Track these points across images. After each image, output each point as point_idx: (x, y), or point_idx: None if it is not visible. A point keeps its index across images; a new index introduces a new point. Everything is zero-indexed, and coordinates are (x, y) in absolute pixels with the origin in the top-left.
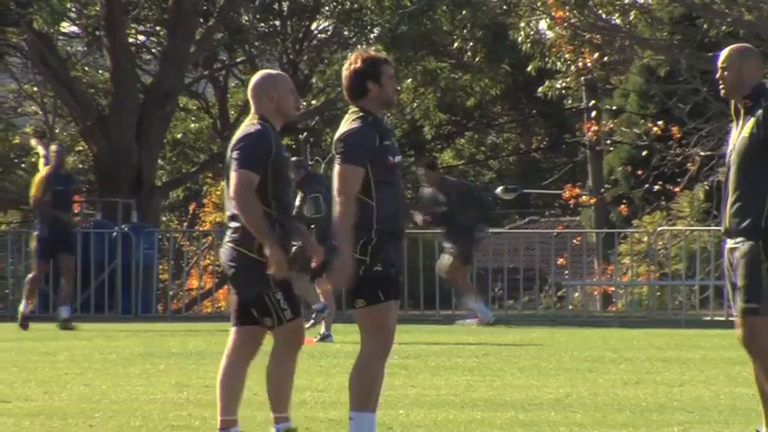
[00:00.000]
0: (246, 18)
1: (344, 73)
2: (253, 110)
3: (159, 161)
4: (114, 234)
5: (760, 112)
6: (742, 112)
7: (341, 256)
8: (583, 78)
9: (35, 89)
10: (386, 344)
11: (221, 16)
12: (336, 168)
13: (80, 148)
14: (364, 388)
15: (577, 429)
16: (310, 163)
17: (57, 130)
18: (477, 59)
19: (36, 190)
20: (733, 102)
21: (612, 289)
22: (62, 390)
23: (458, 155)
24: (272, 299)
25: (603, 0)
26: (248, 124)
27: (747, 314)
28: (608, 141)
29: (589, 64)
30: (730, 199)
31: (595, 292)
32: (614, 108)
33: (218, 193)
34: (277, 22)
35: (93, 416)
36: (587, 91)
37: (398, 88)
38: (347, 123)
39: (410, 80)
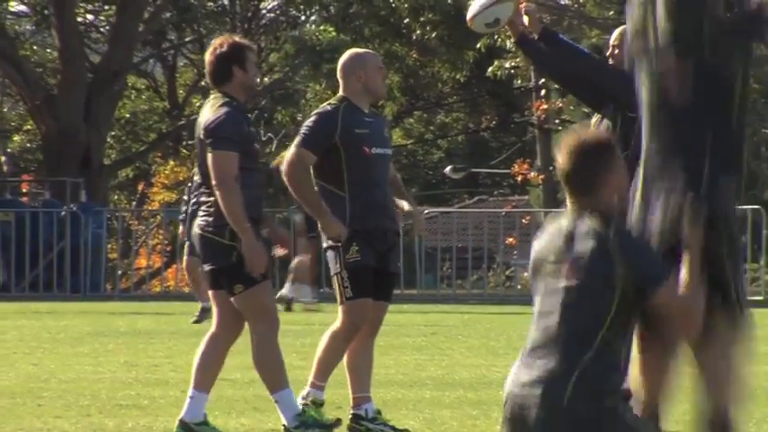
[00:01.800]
0: None
1: (209, 58)
2: (341, 90)
3: (108, 140)
4: (63, 213)
5: None
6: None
7: (248, 240)
8: None
9: None
10: (273, 322)
11: None
12: (210, 156)
13: (28, 126)
14: (273, 369)
15: None
16: (263, 140)
17: (5, 110)
18: (435, 39)
19: None
20: None
21: None
22: (10, 369)
23: (407, 134)
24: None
25: None
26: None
27: None
28: (556, 120)
29: None
30: None
31: None
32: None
33: (166, 172)
34: (226, 1)
35: (42, 395)
36: (536, 70)
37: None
38: (213, 109)
39: None
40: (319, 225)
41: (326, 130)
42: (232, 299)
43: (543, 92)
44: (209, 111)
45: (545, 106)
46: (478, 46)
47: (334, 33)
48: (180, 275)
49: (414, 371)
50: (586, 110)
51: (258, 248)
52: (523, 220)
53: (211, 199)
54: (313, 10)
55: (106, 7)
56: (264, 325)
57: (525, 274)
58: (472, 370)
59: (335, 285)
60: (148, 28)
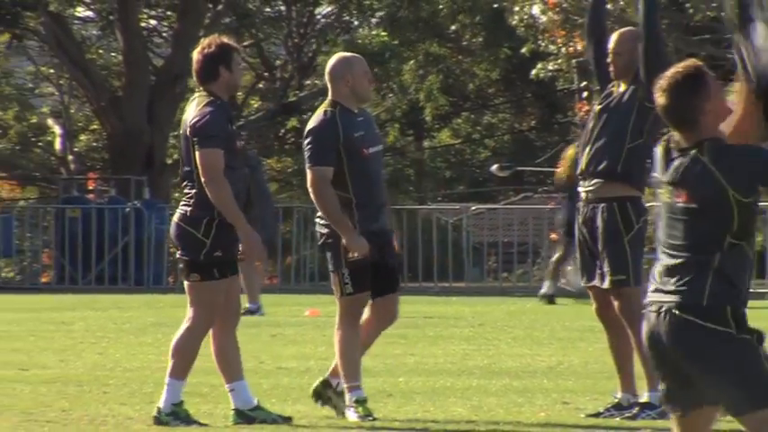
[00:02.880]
0: (253, 3)
1: (197, 57)
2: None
3: (170, 140)
4: (127, 210)
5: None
6: (623, 88)
7: (244, 230)
8: (574, 61)
9: (51, 71)
10: (212, 321)
11: (229, 1)
12: (198, 154)
13: (94, 127)
14: (185, 358)
15: (569, 396)
16: None
17: (72, 111)
18: (473, 41)
19: None
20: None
21: None
22: (77, 358)
23: (455, 134)
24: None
25: None
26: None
27: (618, 285)
28: None
29: (580, 47)
30: (590, 146)
31: None
32: None
33: None
34: (282, 7)
35: (108, 383)
36: (578, 73)
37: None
38: (198, 108)
39: (412, 62)
40: (343, 240)
41: (331, 140)
42: (186, 284)
43: (585, 93)
44: (194, 109)
45: (587, 107)
46: (523, 50)
47: (385, 37)
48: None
49: (461, 360)
50: None
51: (254, 235)
52: None
53: (193, 191)
54: (366, 15)
55: (168, 13)
56: (202, 320)
57: (569, 267)
58: (517, 359)
59: (335, 281)
60: (209, 33)
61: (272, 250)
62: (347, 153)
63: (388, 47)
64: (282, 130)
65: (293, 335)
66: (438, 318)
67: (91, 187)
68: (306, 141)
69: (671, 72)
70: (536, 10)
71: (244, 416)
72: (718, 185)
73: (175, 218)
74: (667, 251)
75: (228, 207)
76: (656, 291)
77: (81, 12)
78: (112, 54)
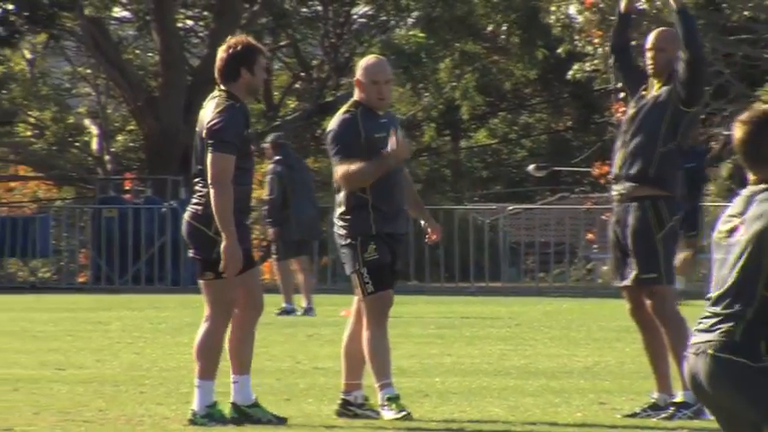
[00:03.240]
0: (289, 3)
1: (221, 54)
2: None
3: None
4: (164, 210)
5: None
6: (656, 85)
7: (229, 243)
8: (610, 61)
9: (88, 71)
10: (228, 317)
11: (266, 1)
12: (210, 156)
13: (131, 127)
14: (209, 358)
15: (605, 396)
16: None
17: (109, 111)
18: (510, 41)
19: None
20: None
21: None
22: (114, 358)
23: (492, 134)
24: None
25: None
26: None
27: (650, 283)
28: None
29: None
30: (624, 149)
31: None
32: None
33: (262, 170)
34: (319, 8)
35: (144, 382)
36: (614, 74)
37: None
38: (217, 110)
39: (448, 60)
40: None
41: (353, 138)
42: (200, 282)
43: (622, 94)
44: (212, 110)
45: (623, 108)
46: (559, 51)
47: (422, 38)
48: (274, 269)
49: (498, 360)
50: None
51: (236, 252)
52: (603, 216)
53: (204, 190)
54: (402, 15)
55: (205, 13)
56: (219, 318)
57: (605, 267)
58: (554, 360)
59: (355, 282)
60: (245, 33)
61: (308, 250)
62: (367, 153)
63: (424, 47)
64: (319, 131)
65: (329, 335)
66: (475, 318)
67: (127, 187)
68: (328, 140)
69: (758, 109)
70: (572, 10)
71: (240, 411)
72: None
73: (186, 216)
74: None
75: (224, 215)
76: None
77: (118, 12)
78: (149, 54)
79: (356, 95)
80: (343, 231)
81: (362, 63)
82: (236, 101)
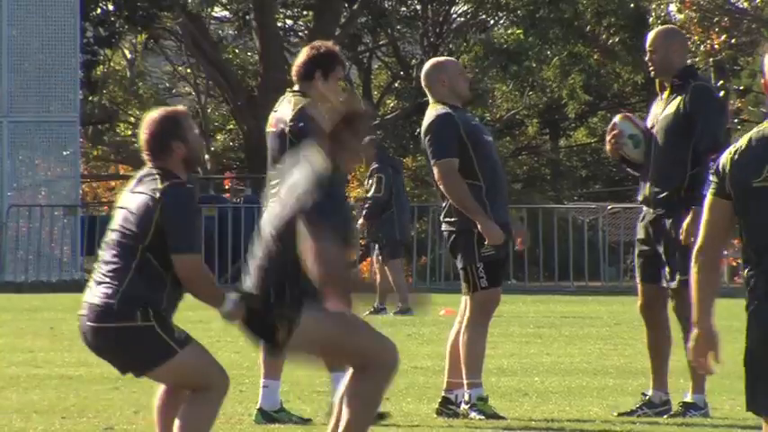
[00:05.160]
0: (389, 2)
1: (302, 54)
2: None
3: None
4: (263, 209)
5: (688, 95)
6: (668, 90)
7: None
8: (711, 59)
9: (188, 71)
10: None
11: (365, 1)
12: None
13: (231, 126)
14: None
15: (707, 396)
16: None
17: (208, 110)
18: (617, 43)
19: None
20: (657, 81)
21: (739, 261)
22: (214, 356)
23: (591, 133)
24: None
25: None
26: (430, 110)
27: (685, 286)
28: (735, 120)
29: (716, 46)
30: (652, 170)
31: (722, 264)
32: (741, 88)
33: (362, 170)
34: (418, 7)
35: (244, 381)
36: (715, 71)
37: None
38: (295, 109)
39: (556, 59)
40: (479, 226)
41: (453, 132)
42: None
43: (722, 92)
44: (290, 110)
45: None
46: None
47: (521, 36)
48: (374, 268)
49: (597, 360)
50: (765, 110)
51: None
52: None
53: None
54: (502, 14)
55: (305, 13)
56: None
57: None
58: None
59: (468, 276)
60: (344, 32)
61: (406, 250)
62: (471, 140)
63: (525, 45)
64: (418, 129)
65: (428, 334)
66: (574, 317)
67: (227, 186)
68: (426, 138)
69: None
70: (672, 8)
71: (267, 416)
72: None
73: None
74: None
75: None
76: None
77: (217, 11)
78: (249, 53)
79: (434, 97)
80: (453, 228)
81: (437, 64)
82: (311, 102)
